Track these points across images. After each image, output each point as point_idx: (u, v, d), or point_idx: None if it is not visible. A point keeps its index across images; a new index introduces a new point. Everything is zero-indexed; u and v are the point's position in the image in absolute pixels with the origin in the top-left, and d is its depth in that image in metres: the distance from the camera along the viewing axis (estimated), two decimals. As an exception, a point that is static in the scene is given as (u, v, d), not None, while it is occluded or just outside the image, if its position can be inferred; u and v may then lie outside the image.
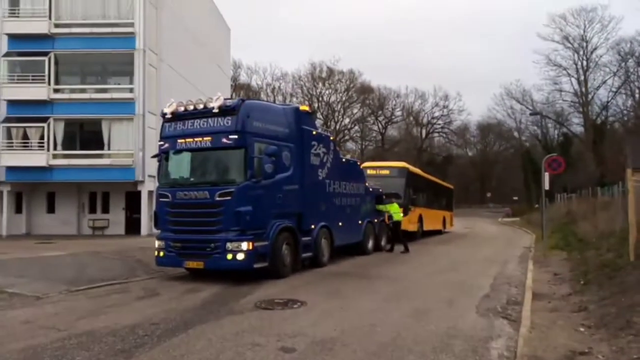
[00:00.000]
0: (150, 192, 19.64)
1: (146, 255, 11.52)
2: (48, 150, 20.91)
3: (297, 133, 9.79)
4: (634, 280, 6.30)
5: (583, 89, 46.58)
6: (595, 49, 46.24)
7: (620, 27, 79.22)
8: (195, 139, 8.55)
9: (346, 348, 4.63)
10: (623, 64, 44.17)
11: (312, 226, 10.08)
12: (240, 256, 8.09)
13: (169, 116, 8.95)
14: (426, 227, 20.00)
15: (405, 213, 15.95)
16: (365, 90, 62.48)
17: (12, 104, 21.11)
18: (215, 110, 8.38)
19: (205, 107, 8.53)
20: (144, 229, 20.65)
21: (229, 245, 8.12)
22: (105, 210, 23.00)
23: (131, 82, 21.43)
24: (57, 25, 21.20)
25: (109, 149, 21.21)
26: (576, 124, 49.00)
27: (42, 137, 21.03)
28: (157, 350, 4.60)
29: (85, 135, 22.33)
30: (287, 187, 9.26)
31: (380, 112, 65.30)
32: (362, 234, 12.84)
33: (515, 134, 60.06)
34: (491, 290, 7.72)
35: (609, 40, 45.85)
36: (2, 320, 5.91)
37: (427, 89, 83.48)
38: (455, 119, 66.18)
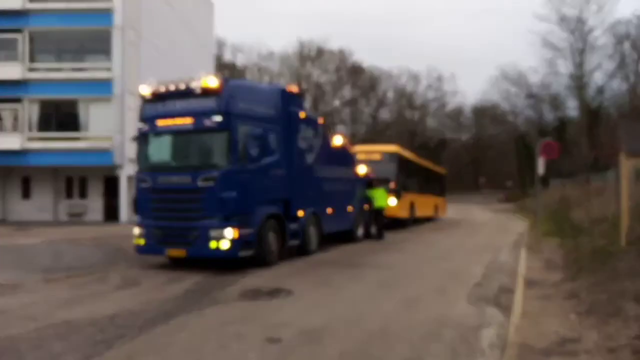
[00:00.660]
0: (129, 177, 19.12)
1: (126, 243, 11.22)
2: (23, 132, 20.15)
3: (284, 115, 9.51)
4: (625, 267, 6.33)
5: (578, 72, 46.18)
6: (591, 30, 45.47)
7: (617, 9, 78.53)
8: (177, 121, 8.24)
9: (334, 338, 4.54)
10: (619, 47, 43.55)
11: (300, 213, 9.88)
12: (224, 244, 7.87)
13: (148, 97, 8.59)
14: (418, 214, 19.74)
15: (397, 199, 15.83)
16: (356, 70, 60.94)
17: (-16, 84, 20.25)
18: (198, 91, 8.05)
19: (187, 87, 8.18)
20: (123, 216, 20.20)
21: (213, 233, 7.89)
22: (83, 195, 22.38)
23: (109, 61, 20.69)
24: (31, 0, 20.30)
25: (86, 131, 20.54)
26: (572, 108, 48.53)
27: (16, 119, 20.24)
28: (137, 341, 4.47)
29: (61, 117, 21.53)
30: (274, 172, 9.03)
31: (371, 94, 63.74)
32: (352, 221, 12.67)
33: (510, 117, 58.91)
34: (483, 278, 7.68)
35: (605, 22, 45.64)
36: (-24, 311, 5.67)
37: (420, 70, 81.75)
38: (449, 102, 65.28)
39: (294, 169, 9.64)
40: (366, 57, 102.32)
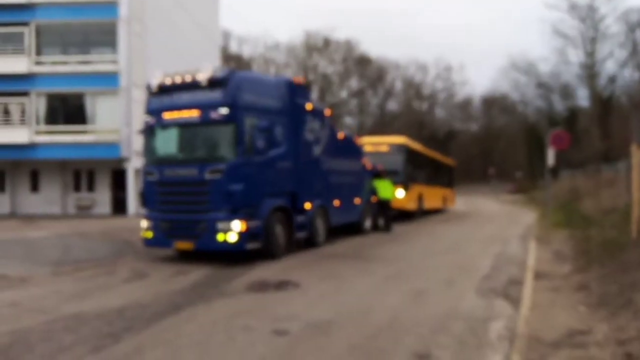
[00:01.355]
0: (137, 170, 19.17)
1: (133, 236, 11.27)
2: (30, 126, 20.24)
3: (291, 107, 9.42)
4: (636, 258, 6.24)
5: (589, 61, 45.36)
6: (602, 18, 44.43)
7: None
8: (183, 113, 8.20)
9: (342, 331, 4.51)
10: (631, 35, 42.45)
11: (307, 205, 9.84)
12: (231, 236, 7.86)
13: (154, 89, 8.55)
14: (426, 206, 19.58)
15: (405, 191, 15.70)
16: (364, 61, 59.97)
17: (-9, 77, 20.30)
18: (204, 83, 8.00)
19: (193, 79, 8.13)
20: (131, 208, 20.24)
21: (220, 225, 7.87)
22: (91, 189, 22.46)
23: (115, 53, 20.63)
24: (37, -7, 20.26)
25: (94, 124, 20.59)
26: (582, 98, 47.65)
27: (23, 113, 20.31)
28: (145, 334, 4.47)
29: (68, 110, 21.54)
30: (281, 164, 8.98)
31: (379, 85, 62.78)
32: (359, 213, 12.61)
33: (520, 107, 57.94)
34: (492, 270, 7.62)
35: (616, 9, 44.70)
36: (-14, 303, 5.72)
37: (428, 60, 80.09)
38: (458, 92, 64.30)
39: (301, 161, 9.59)
40: (373, 47, 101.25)
